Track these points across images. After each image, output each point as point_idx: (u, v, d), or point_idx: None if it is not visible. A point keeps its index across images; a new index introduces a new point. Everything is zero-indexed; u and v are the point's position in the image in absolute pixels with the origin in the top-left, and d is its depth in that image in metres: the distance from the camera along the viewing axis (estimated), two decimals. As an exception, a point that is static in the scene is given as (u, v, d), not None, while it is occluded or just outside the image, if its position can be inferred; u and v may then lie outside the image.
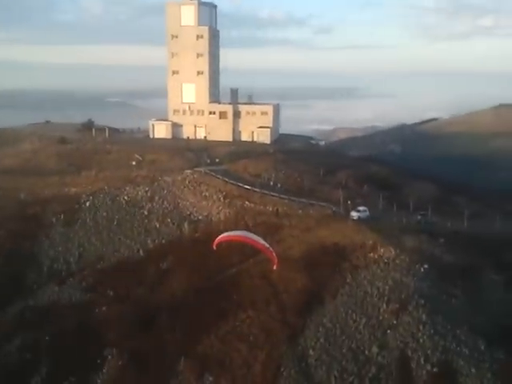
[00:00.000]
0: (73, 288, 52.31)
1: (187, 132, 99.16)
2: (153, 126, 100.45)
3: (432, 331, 42.67)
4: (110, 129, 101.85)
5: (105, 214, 61.28)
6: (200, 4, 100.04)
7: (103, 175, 70.45)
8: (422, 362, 40.19)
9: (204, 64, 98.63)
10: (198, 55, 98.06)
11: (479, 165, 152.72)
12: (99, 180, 68.27)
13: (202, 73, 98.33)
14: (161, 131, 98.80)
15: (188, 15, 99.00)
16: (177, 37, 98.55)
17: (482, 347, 41.46)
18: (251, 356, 42.99)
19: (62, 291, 52.12)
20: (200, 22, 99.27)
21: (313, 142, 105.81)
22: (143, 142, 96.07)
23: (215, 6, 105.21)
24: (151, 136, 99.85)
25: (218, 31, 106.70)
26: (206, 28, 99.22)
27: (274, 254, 46.40)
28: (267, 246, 46.83)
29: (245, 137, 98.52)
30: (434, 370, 39.44)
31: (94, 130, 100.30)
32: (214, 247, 44.32)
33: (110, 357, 44.83)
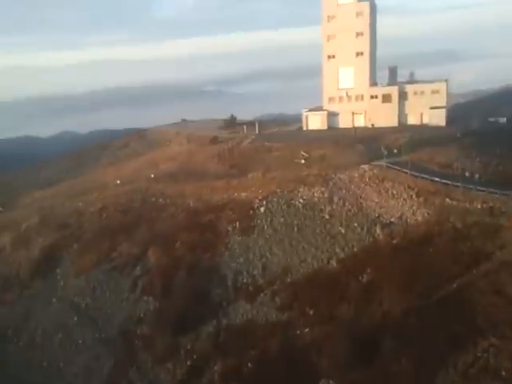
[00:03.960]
0: (266, 306, 47.21)
1: (344, 121, 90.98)
2: (306, 117, 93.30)
3: None
4: (251, 123, 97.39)
5: (282, 219, 55.39)
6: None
7: (271, 176, 64.85)
8: None
9: (364, 44, 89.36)
10: (358, 35, 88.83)
11: None
12: (268, 182, 62.70)
13: (362, 54, 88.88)
14: (315, 122, 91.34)
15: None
16: (334, 17, 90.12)
17: None
18: (509, 396, 34.99)
19: (255, 309, 47.29)
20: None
21: (491, 119, 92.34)
22: (299, 135, 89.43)
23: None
24: (304, 128, 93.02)
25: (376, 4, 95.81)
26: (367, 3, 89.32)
27: None
28: None
29: (412, 120, 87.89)
30: None
31: (245, 126, 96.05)
32: None
33: (327, 389, 39.19)
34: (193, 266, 53.21)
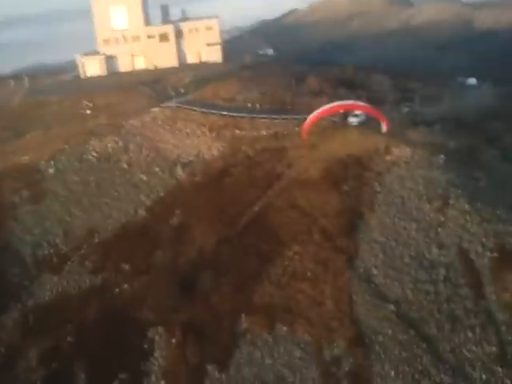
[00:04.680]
0: (76, 273, 43.64)
1: (124, 64, 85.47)
2: (83, 63, 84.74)
3: (479, 219, 42.20)
4: (16, 77, 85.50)
5: (76, 178, 51.03)
6: None
7: (54, 133, 58.05)
8: (481, 250, 39.96)
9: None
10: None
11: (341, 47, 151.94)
12: (52, 140, 56.22)
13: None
14: (94, 68, 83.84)
15: None
16: None
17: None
18: (317, 293, 39.18)
19: (64, 280, 43.24)
20: None
21: (261, 52, 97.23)
22: (78, 84, 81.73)
23: None
24: (82, 76, 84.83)
25: None
26: None
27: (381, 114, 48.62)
28: (368, 105, 48.36)
29: (191, 58, 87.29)
30: (494, 254, 39.31)
31: (11, 81, 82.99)
32: (304, 136, 46.34)
33: (157, 338, 38.45)
34: (-22, 251, 46.12)
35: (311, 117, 48.31)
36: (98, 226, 47.77)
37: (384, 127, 47.69)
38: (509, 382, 32.63)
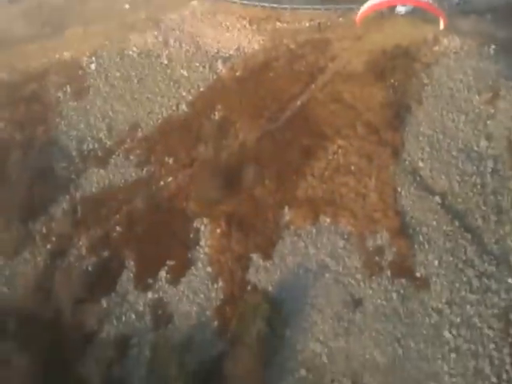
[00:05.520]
0: (122, 166, 44.88)
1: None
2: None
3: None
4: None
5: (118, 73, 50.57)
6: None
7: (94, 29, 56.59)
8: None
9: None
10: None
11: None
12: (92, 36, 55.14)
13: None
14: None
15: None
16: None
17: None
18: (361, 186, 39.08)
19: (111, 173, 44.67)
20: None
21: None
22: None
23: None
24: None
25: None
26: None
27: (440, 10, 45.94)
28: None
29: None
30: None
31: None
32: (359, 24, 46.61)
33: (203, 228, 40.10)
34: (26, 144, 46.94)
35: (370, 5, 45.53)
36: (141, 120, 48.01)
37: (442, 24, 44.47)
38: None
